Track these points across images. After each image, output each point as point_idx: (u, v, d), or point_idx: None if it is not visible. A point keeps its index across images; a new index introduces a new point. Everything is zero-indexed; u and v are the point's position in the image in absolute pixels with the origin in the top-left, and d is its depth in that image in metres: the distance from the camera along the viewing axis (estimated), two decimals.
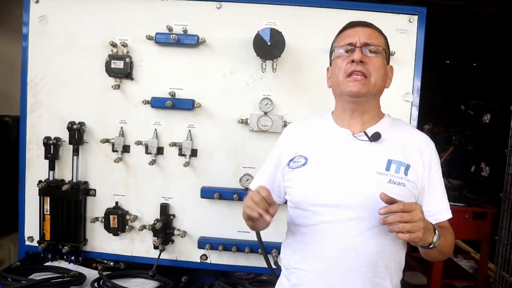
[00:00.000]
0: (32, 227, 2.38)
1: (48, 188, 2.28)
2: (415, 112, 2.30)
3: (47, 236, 2.32)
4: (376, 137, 1.45)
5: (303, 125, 1.63)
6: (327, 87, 1.60)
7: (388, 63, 1.53)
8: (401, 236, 1.21)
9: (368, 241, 1.39)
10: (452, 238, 1.47)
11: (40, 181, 2.29)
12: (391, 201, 1.23)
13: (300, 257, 1.47)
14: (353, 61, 1.41)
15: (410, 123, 2.27)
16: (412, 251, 4.07)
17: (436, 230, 1.33)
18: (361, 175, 1.41)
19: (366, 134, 1.46)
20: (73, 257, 2.34)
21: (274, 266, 2.02)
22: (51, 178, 2.32)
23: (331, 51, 1.57)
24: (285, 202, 1.61)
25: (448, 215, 1.50)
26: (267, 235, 2.06)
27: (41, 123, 2.35)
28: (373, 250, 1.39)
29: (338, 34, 1.55)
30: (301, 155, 1.50)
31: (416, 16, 2.27)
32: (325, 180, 1.43)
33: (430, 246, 1.32)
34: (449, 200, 3.73)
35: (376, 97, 1.51)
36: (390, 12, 2.28)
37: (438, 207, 1.49)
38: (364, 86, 1.41)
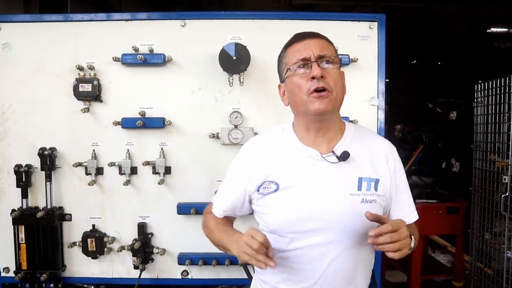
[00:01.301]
0: (7, 258, 2.34)
1: (22, 216, 2.26)
2: (382, 115, 2.36)
3: (24, 265, 2.28)
4: (344, 156, 1.43)
5: (264, 143, 1.57)
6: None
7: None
8: (391, 255, 1.25)
9: (347, 260, 1.44)
10: (418, 235, 1.54)
11: (13, 210, 2.26)
12: (376, 219, 1.28)
13: (280, 278, 1.49)
14: (313, 78, 1.38)
15: (377, 126, 2.34)
16: None
17: (412, 236, 1.36)
18: (335, 198, 1.41)
19: (334, 154, 1.45)
20: (52, 285, 2.30)
21: None
22: (24, 206, 2.29)
23: (282, 68, 1.51)
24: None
25: (415, 217, 1.57)
26: None
27: (11, 151, 2.33)
28: (351, 266, 1.45)
29: (286, 48, 1.50)
30: (271, 180, 1.46)
31: (376, 23, 2.34)
32: (300, 207, 1.42)
33: (409, 252, 1.34)
34: (423, 198, 3.82)
35: (338, 110, 1.49)
36: (351, 20, 2.35)
37: (406, 211, 1.54)
38: (330, 102, 1.39)
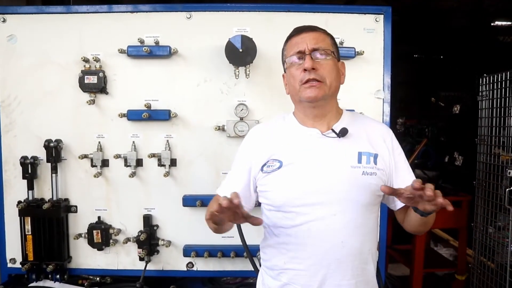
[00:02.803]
0: (13, 249, 2.35)
1: (28, 208, 2.26)
2: (387, 108, 2.36)
3: (30, 257, 2.29)
4: (343, 132, 1.52)
5: (267, 128, 1.66)
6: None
7: (338, 60, 1.59)
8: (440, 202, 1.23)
9: (353, 232, 1.47)
10: None
11: (19, 202, 2.27)
12: (392, 192, 1.26)
13: (288, 257, 1.50)
14: (305, 70, 1.47)
15: (382, 119, 2.34)
16: (393, 244, 4.18)
17: None
18: (337, 171, 1.47)
19: (333, 131, 1.53)
20: (58, 276, 2.32)
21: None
22: (30, 198, 2.30)
23: (283, 59, 1.62)
24: (258, 205, 1.64)
25: None
26: (251, 238, 2.09)
27: (17, 143, 2.33)
28: (357, 239, 1.47)
29: (286, 41, 1.60)
30: (274, 158, 1.52)
31: (382, 15, 2.34)
32: (304, 180, 1.47)
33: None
34: None
35: (333, 97, 1.58)
36: (357, 13, 2.34)
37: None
38: (321, 90, 1.48)
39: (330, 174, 1.47)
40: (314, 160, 1.49)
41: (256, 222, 1.28)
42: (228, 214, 1.25)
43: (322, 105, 1.53)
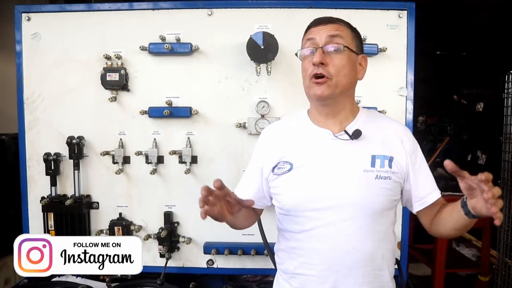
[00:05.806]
0: None
1: (51, 204, 2.29)
2: (410, 106, 2.32)
3: None
4: (357, 134, 1.45)
5: (280, 127, 1.62)
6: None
7: (360, 53, 1.52)
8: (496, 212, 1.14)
9: (364, 238, 1.42)
10: None
11: (42, 198, 2.30)
12: (456, 169, 1.19)
13: (299, 262, 1.48)
14: (314, 64, 1.41)
15: (405, 116, 2.31)
16: (414, 243, 4.12)
17: None
18: (349, 175, 1.42)
19: (346, 132, 1.47)
20: None
21: None
22: (53, 194, 2.33)
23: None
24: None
25: (438, 194, 1.51)
26: (272, 236, 2.07)
27: (40, 139, 2.36)
28: (369, 245, 1.43)
29: (305, 32, 1.53)
30: (285, 160, 1.48)
31: (405, 11, 2.30)
32: (314, 184, 1.43)
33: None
34: (448, 190, 3.73)
35: (345, 95, 1.48)
36: (379, 9, 2.31)
37: (428, 189, 1.50)
38: (327, 88, 1.41)
39: (341, 178, 1.42)
40: (325, 163, 1.44)
41: (247, 203, 1.34)
42: (219, 204, 1.33)
43: (331, 103, 1.47)
